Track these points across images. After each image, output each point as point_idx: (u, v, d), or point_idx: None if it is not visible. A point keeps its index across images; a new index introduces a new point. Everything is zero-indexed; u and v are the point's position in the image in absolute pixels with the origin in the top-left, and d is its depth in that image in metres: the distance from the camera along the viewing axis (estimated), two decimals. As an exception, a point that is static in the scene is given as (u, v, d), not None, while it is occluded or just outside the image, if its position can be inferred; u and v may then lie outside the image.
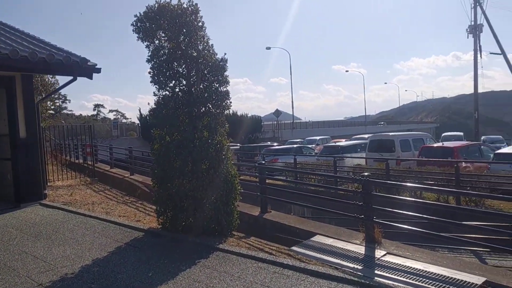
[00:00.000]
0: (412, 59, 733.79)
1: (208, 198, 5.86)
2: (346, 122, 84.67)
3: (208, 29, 6.16)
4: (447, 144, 16.74)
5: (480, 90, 32.30)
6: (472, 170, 13.08)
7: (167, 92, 6.07)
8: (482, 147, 16.71)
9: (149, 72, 6.04)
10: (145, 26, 5.93)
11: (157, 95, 6.09)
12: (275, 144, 28.53)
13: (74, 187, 10.97)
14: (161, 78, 5.98)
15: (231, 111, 11.83)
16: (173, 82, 6.08)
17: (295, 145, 24.75)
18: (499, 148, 18.49)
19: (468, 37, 31.82)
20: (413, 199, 8.09)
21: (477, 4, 31.01)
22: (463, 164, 12.90)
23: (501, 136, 31.91)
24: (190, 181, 5.84)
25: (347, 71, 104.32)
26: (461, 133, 30.36)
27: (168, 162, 5.96)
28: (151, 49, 6.07)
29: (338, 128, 60.52)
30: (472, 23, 31.24)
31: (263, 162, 9.96)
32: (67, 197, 9.50)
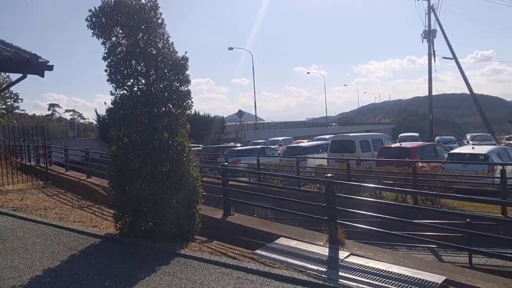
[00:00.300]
0: (370, 62, 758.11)
1: (169, 201, 5.66)
2: (308, 123, 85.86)
3: (168, 26, 5.95)
4: (404, 144, 17.27)
5: (433, 93, 33.71)
6: (428, 169, 13.57)
7: (124, 91, 5.82)
8: (437, 147, 17.42)
9: (106, 70, 5.75)
10: (101, 21, 5.64)
11: (114, 94, 5.82)
12: (238, 144, 28.43)
13: (26, 191, 10.36)
14: (119, 77, 5.72)
15: (193, 111, 11.59)
16: (131, 80, 5.83)
17: (258, 146, 24.75)
18: (452, 148, 19.34)
19: (422, 42, 33.16)
20: (374, 199, 8.24)
21: (431, 10, 32.36)
22: (420, 164, 13.34)
23: (453, 137, 33.49)
24: (149, 184, 5.62)
25: (308, 72, 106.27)
26: (417, 134, 31.52)
27: (126, 165, 5.71)
28: (107, 46, 5.79)
29: (301, 129, 61.29)
30: (427, 28, 32.56)
31: (226, 163, 9.85)
32: (17, 202, 8.94)
